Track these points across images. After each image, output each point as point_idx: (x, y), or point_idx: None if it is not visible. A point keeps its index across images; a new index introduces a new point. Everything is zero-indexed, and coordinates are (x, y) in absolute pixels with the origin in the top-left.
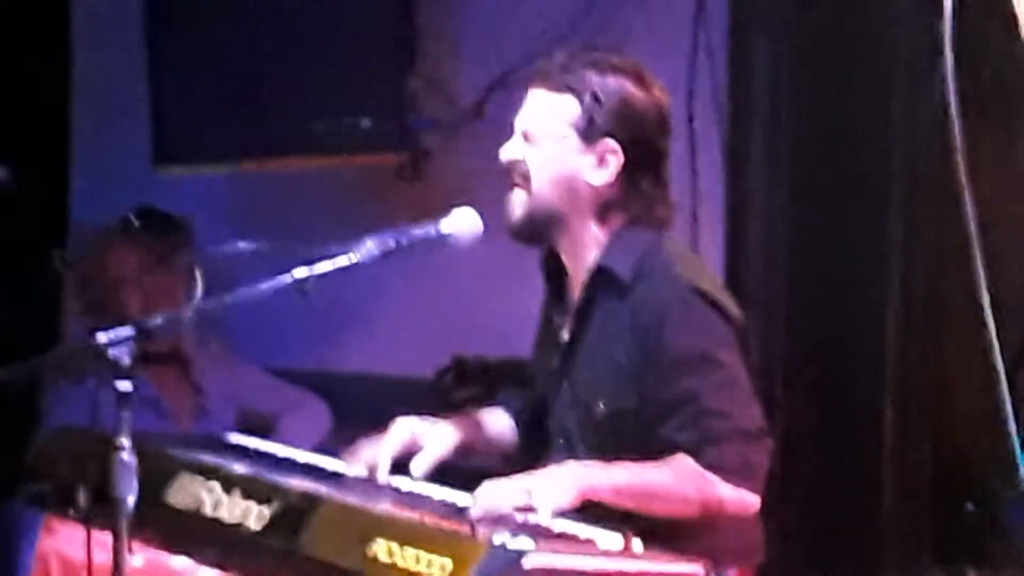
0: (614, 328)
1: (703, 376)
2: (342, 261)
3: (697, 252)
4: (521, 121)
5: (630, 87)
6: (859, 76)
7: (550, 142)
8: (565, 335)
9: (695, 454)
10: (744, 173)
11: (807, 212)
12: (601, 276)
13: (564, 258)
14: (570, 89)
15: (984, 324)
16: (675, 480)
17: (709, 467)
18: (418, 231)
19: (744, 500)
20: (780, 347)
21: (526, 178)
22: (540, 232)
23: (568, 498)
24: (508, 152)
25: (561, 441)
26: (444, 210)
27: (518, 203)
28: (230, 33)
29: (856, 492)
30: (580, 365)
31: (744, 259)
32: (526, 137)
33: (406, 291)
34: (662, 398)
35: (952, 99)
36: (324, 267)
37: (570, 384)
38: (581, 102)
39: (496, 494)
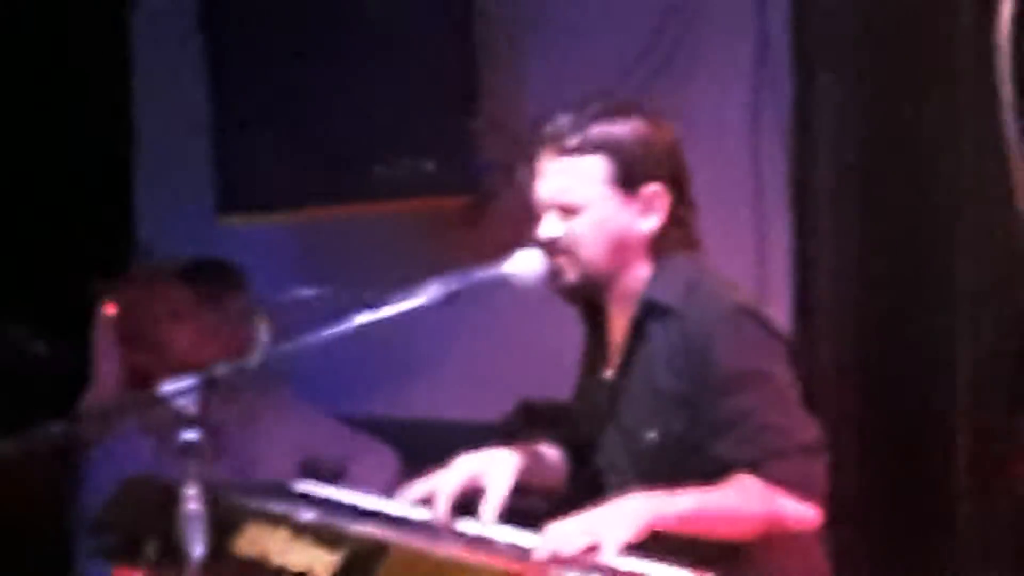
0: (661, 356)
1: (757, 392)
2: (406, 305)
3: (765, 292)
4: (549, 194)
5: (644, 127)
6: (925, 103)
7: (591, 207)
8: (608, 374)
9: (754, 470)
10: (811, 210)
11: (875, 246)
12: (649, 308)
13: (607, 299)
14: (590, 148)
15: None
16: (739, 500)
17: (769, 483)
18: (481, 273)
19: (806, 515)
20: (851, 378)
21: (570, 251)
22: (592, 292)
23: (633, 531)
24: (547, 231)
25: (613, 478)
26: (508, 252)
27: (568, 270)
28: (292, 80)
29: (931, 520)
30: (627, 399)
31: (813, 297)
32: (563, 210)
33: (473, 336)
34: (716, 417)
35: (1008, 113)
36: (389, 312)
37: (617, 419)
38: (607, 157)
39: (562, 534)
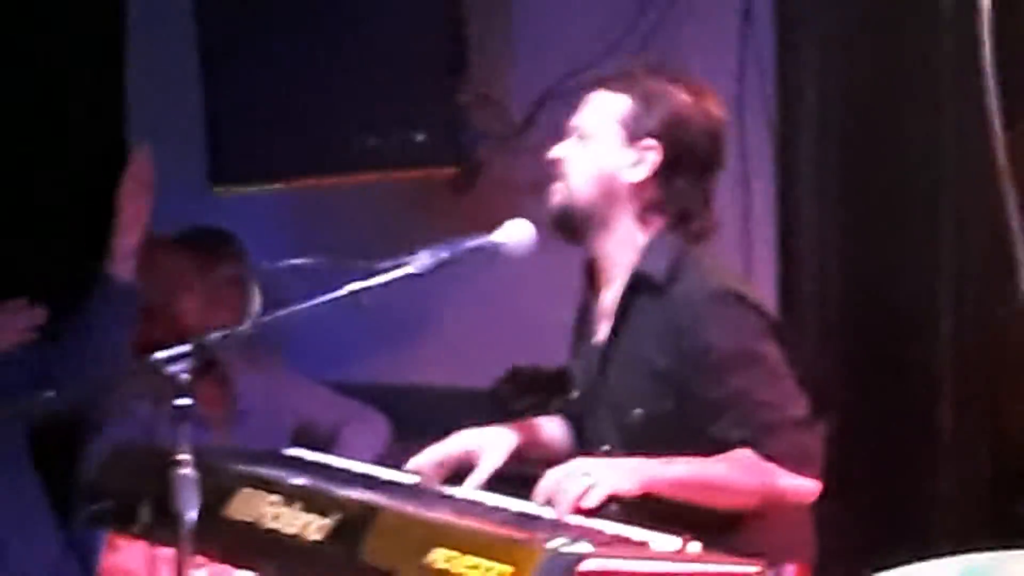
0: (650, 332)
1: (749, 371)
2: (397, 273)
3: (750, 262)
4: (577, 120)
5: (681, 95)
6: (908, 79)
7: (597, 138)
8: (600, 337)
9: (751, 447)
10: (795, 180)
11: (858, 217)
12: (638, 280)
13: (601, 260)
14: (626, 90)
15: None
16: (736, 472)
17: (768, 458)
18: (471, 242)
19: (804, 487)
20: (834, 349)
21: (564, 174)
22: (577, 226)
23: (629, 485)
24: (556, 150)
25: (604, 447)
26: (498, 222)
27: (556, 194)
28: (283, 52)
29: (912, 488)
30: (616, 371)
31: (797, 268)
32: (579, 134)
33: (463, 303)
34: (711, 398)
35: (991, 95)
36: (379, 280)
37: (607, 389)
38: (632, 101)
39: (561, 475)
